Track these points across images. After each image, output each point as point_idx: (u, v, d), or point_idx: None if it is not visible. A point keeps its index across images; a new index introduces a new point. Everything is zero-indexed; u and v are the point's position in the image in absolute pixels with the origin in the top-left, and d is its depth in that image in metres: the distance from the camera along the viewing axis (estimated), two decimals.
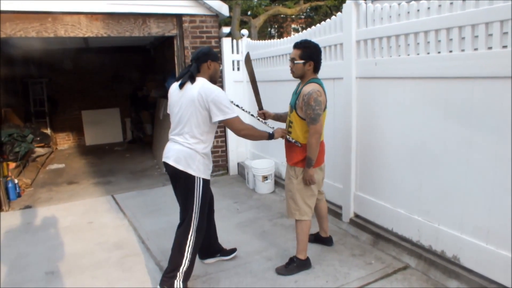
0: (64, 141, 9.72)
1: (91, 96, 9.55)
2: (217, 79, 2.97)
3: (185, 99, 2.74)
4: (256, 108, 3.36)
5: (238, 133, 2.84)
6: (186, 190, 2.81)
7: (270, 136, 2.99)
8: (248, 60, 3.26)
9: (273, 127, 3.11)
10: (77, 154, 8.68)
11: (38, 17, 4.87)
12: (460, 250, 2.85)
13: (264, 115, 3.33)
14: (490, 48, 2.51)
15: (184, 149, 2.77)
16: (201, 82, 2.75)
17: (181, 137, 2.80)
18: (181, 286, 2.80)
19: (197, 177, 2.79)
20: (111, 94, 9.78)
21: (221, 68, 2.89)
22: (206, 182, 2.86)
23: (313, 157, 2.93)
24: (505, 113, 2.44)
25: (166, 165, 2.89)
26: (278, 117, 3.37)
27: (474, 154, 2.68)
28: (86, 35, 5.16)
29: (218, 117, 2.70)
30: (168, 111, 2.98)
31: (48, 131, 9.06)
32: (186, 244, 2.81)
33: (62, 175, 6.71)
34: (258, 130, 2.95)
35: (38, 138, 8.22)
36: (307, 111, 2.85)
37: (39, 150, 8.02)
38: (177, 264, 2.81)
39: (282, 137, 3.06)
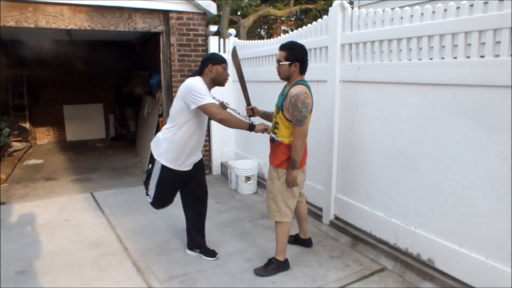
0: (44, 136, 9.52)
1: (74, 90, 9.38)
2: (222, 81, 3.15)
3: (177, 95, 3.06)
4: (245, 105, 3.34)
5: (215, 117, 2.95)
6: (150, 176, 3.21)
7: (251, 127, 3.03)
8: (235, 55, 3.25)
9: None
10: (57, 150, 8.51)
11: (18, 5, 4.73)
12: (435, 253, 2.90)
13: (252, 111, 3.31)
14: (468, 57, 2.56)
15: (158, 135, 3.19)
16: (188, 79, 3.02)
17: (165, 128, 3.15)
18: None
19: (157, 160, 3.12)
20: (94, 89, 9.63)
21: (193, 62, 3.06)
22: (165, 169, 3.11)
23: (297, 159, 2.94)
24: (483, 117, 2.49)
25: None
26: (266, 116, 3.37)
27: (451, 159, 2.73)
28: (68, 27, 5.05)
29: (193, 104, 2.91)
30: None
31: (27, 125, 8.86)
32: None
33: (40, 171, 6.58)
34: (237, 117, 3.07)
35: (16, 132, 8.06)
36: (294, 112, 2.86)
37: (16, 145, 7.85)
38: None
39: (263, 131, 3.06)
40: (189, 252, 3.51)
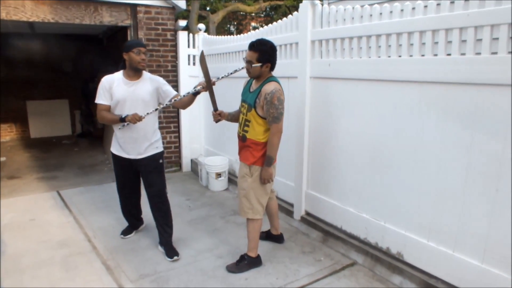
0: (6, 133, 9.12)
1: (37, 86, 9.03)
2: (136, 65, 3.16)
3: None
4: (211, 109, 3.29)
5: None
6: None
7: (122, 119, 3.10)
8: (203, 59, 3.21)
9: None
10: (21, 147, 8.19)
11: None
12: (404, 247, 2.98)
13: (220, 116, 3.27)
14: (435, 55, 2.63)
15: None
16: None
17: None
18: None
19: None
20: (59, 85, 9.30)
21: (148, 56, 3.10)
22: (112, 155, 3.48)
23: (274, 156, 2.95)
24: (455, 113, 2.57)
25: None
26: (232, 116, 3.34)
27: (421, 154, 2.80)
28: (30, 19, 4.84)
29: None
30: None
31: None
32: None
33: (2, 169, 6.30)
34: (109, 114, 3.21)
35: None
36: (270, 110, 2.85)
37: None
38: None
39: (134, 122, 3.07)
40: (160, 248, 3.48)
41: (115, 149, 3.43)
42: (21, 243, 3.61)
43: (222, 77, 3.27)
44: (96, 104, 3.21)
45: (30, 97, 9.01)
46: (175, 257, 3.30)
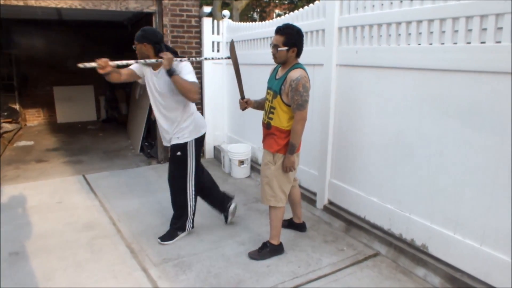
0: (34, 118, 9.37)
1: (64, 71, 9.18)
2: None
3: None
4: (235, 96, 3.29)
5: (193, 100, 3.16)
6: None
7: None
8: (232, 48, 3.18)
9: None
10: (48, 132, 8.40)
11: None
12: (429, 239, 2.92)
13: (246, 103, 3.26)
14: (468, 43, 2.53)
15: None
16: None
17: None
18: None
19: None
20: (85, 71, 9.39)
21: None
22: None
23: (297, 143, 2.92)
24: (484, 108, 2.48)
25: None
26: (258, 104, 3.32)
27: (448, 147, 2.72)
28: (59, 6, 4.91)
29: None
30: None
31: (17, 106, 8.71)
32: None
33: (30, 153, 6.49)
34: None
35: (6, 113, 7.92)
36: (295, 97, 2.82)
37: (6, 126, 7.71)
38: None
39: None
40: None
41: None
42: (48, 224, 3.71)
43: (187, 59, 3.16)
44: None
45: (57, 83, 9.19)
46: (160, 240, 3.37)
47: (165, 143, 3.41)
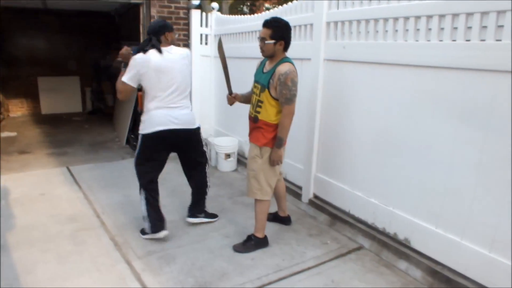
0: (18, 108, 9.18)
1: (49, 62, 9.04)
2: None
3: (177, 66, 3.03)
4: (222, 90, 3.28)
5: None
6: (199, 142, 3.39)
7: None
8: (220, 46, 3.16)
9: None
10: (32, 123, 8.26)
11: None
12: (412, 233, 2.96)
13: (234, 99, 3.26)
14: (454, 40, 2.56)
15: (191, 111, 3.24)
16: (177, 48, 3.10)
17: (186, 101, 3.17)
18: None
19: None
20: (71, 62, 9.30)
21: (176, 36, 3.06)
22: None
23: (284, 137, 2.93)
24: (474, 104, 2.51)
25: (173, 131, 3.08)
26: (245, 98, 3.31)
27: (433, 142, 2.76)
28: None
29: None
30: (152, 80, 2.99)
31: (0, 96, 8.53)
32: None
33: (13, 144, 6.37)
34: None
35: None
36: (283, 91, 2.82)
37: None
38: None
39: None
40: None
41: None
42: (31, 217, 3.66)
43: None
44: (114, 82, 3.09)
45: (42, 73, 9.02)
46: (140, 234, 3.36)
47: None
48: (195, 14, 5.74)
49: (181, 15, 5.64)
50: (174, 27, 5.60)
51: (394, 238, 3.11)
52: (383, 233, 3.21)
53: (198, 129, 3.32)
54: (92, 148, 6.26)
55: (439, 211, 2.75)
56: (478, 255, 2.50)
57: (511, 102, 2.26)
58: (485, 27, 2.37)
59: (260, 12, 5.48)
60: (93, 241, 3.25)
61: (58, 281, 2.70)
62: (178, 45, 3.08)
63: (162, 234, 3.21)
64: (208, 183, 3.56)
